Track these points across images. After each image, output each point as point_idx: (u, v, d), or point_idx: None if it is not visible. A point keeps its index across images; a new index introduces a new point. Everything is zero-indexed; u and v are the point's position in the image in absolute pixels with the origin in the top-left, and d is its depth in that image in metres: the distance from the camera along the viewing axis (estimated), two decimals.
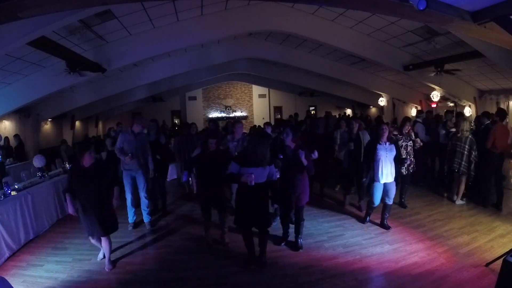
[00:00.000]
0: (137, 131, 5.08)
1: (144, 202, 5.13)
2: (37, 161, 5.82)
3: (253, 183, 3.34)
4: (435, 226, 4.74)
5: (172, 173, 7.90)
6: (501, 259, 2.95)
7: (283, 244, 4.32)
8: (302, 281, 3.47)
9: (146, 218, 5.18)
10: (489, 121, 5.88)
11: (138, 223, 5.21)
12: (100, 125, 15.88)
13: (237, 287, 3.41)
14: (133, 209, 5.13)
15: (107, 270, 3.81)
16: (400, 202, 5.64)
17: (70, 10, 4.35)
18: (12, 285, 2.51)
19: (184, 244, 4.50)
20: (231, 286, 3.44)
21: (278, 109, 19.67)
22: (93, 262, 4.06)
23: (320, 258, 3.95)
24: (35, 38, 4.87)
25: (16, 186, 4.91)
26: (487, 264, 3.59)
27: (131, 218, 5.13)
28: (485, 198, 5.50)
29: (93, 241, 3.94)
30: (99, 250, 4.33)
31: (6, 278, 2.68)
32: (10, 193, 4.55)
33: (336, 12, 6.96)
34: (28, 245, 4.57)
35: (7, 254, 4.12)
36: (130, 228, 5.06)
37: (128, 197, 5.07)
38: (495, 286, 2.89)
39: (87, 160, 3.64)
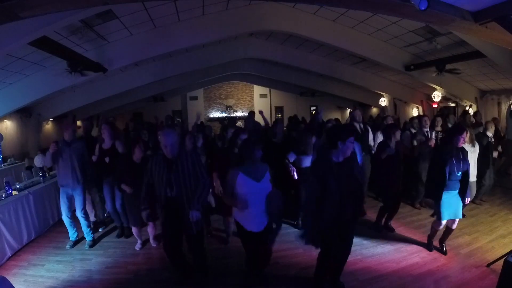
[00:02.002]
0: (69, 138, 4.33)
1: (83, 222, 4.50)
2: (38, 161, 5.82)
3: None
4: None
5: None
6: (502, 260, 2.94)
7: None
8: (304, 281, 3.47)
9: (88, 237, 4.56)
10: None
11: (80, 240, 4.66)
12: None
13: (237, 287, 3.41)
14: (73, 226, 4.56)
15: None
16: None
17: (72, 10, 4.35)
18: (13, 285, 2.51)
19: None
20: (231, 286, 3.44)
21: (279, 109, 19.65)
22: (94, 261, 4.06)
23: None
24: (36, 38, 4.87)
25: (17, 186, 4.92)
26: (488, 265, 3.58)
27: (72, 235, 4.56)
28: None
29: (135, 231, 4.35)
30: (99, 250, 4.36)
31: (7, 277, 2.68)
32: (11, 192, 4.55)
33: (337, 12, 6.94)
34: (29, 244, 4.58)
35: (8, 254, 4.13)
36: (68, 246, 4.49)
37: (66, 218, 4.46)
38: (496, 286, 2.88)
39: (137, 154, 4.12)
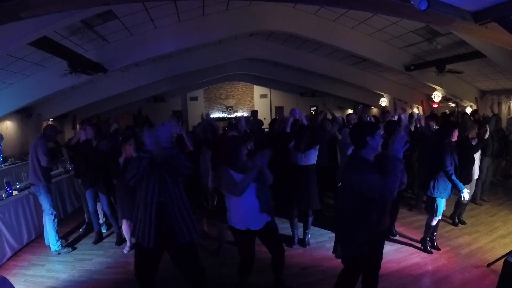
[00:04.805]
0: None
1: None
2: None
3: None
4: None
5: None
6: (503, 260, 2.94)
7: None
8: (304, 281, 3.47)
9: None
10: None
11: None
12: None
13: (238, 287, 3.41)
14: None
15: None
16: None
17: (72, 10, 4.35)
18: (14, 285, 2.51)
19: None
20: (231, 286, 3.43)
21: (279, 110, 19.62)
22: (94, 262, 4.06)
23: (321, 258, 3.93)
24: (36, 38, 4.88)
25: (17, 186, 4.91)
26: (489, 265, 3.58)
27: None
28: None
29: (125, 226, 4.17)
30: (100, 250, 4.36)
31: (8, 277, 2.68)
32: (11, 192, 4.56)
33: (338, 12, 6.95)
34: (30, 244, 4.58)
35: (9, 254, 4.13)
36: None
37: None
38: (496, 286, 2.88)
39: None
